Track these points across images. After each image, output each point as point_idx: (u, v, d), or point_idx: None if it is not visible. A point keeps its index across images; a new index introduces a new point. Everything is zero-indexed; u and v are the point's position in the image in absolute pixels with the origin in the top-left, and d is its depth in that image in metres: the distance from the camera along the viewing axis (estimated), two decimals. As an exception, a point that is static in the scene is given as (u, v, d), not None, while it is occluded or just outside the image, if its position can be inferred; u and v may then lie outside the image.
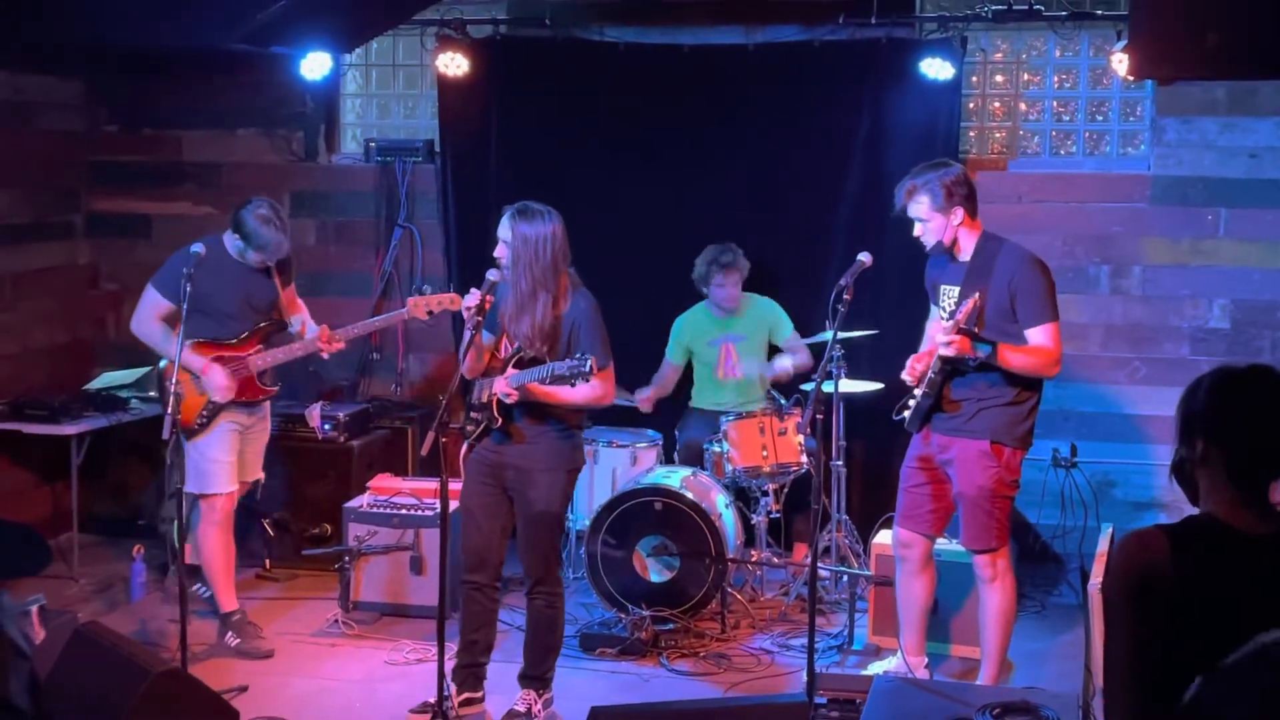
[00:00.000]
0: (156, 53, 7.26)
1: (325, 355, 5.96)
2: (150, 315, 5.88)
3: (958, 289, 5.11)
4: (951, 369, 5.07)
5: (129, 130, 7.99)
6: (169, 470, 6.57)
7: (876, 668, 5.53)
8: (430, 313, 5.88)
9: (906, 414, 5.29)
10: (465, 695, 5.27)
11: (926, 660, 5.55)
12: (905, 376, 5.25)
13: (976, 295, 4.92)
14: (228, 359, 5.81)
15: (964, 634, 5.79)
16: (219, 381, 5.76)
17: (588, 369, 4.74)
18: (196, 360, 5.75)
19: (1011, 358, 4.96)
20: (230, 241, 5.82)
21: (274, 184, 7.84)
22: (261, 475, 6.20)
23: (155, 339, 5.88)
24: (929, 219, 5.08)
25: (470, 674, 5.31)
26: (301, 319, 6.11)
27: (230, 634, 5.97)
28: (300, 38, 6.90)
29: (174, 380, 5.31)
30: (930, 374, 5.09)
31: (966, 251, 5.13)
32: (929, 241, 5.14)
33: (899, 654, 5.50)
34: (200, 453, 5.85)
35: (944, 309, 5.21)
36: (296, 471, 6.87)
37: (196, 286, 5.46)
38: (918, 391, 5.20)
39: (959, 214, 5.07)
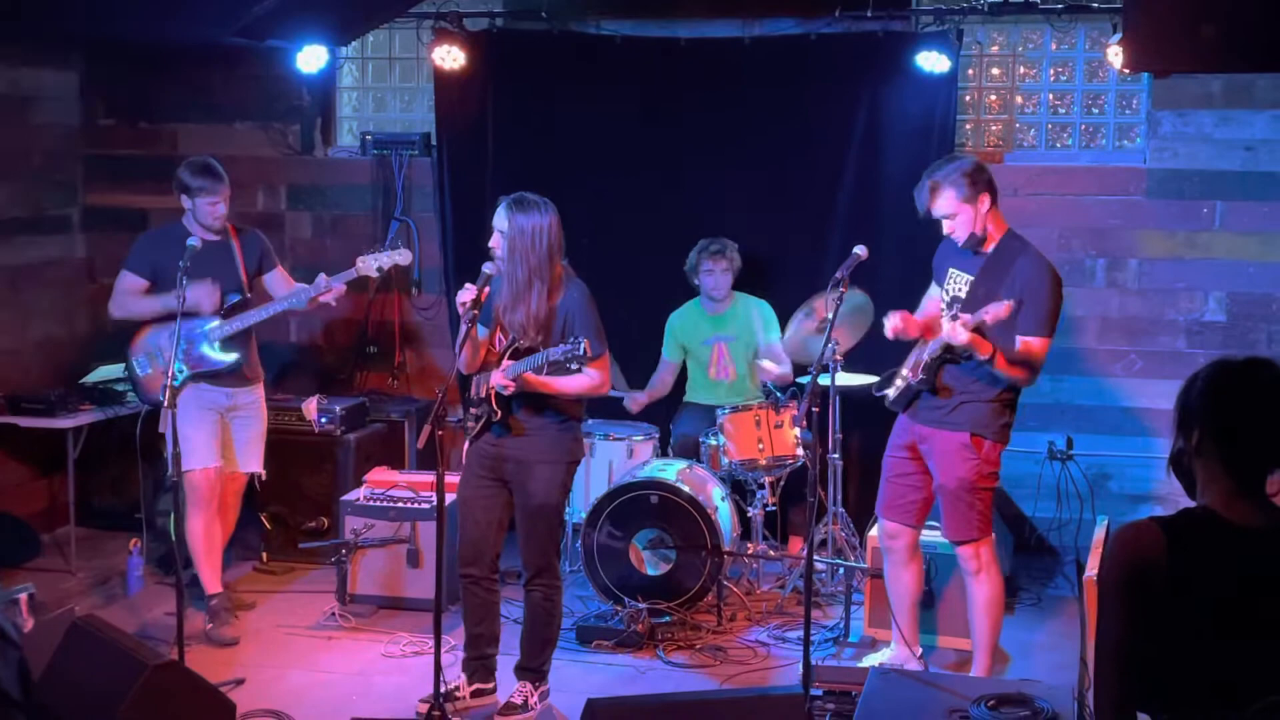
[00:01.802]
0: (153, 47, 7.26)
1: (331, 299, 6.08)
2: (124, 292, 6.07)
3: (969, 278, 5.10)
4: (949, 357, 5.07)
5: (126, 124, 7.99)
6: (165, 463, 6.58)
7: (872, 659, 5.54)
8: (380, 269, 6.12)
9: (890, 392, 5.29)
10: (476, 686, 5.30)
11: (920, 650, 5.56)
12: (888, 330, 5.22)
13: (1012, 302, 4.84)
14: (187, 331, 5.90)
15: (954, 625, 5.80)
16: (198, 292, 5.78)
17: (581, 351, 4.75)
18: (165, 298, 5.88)
19: (1003, 365, 4.95)
20: (188, 221, 5.98)
21: (270, 177, 7.86)
22: (261, 470, 6.24)
23: (133, 309, 6.05)
24: (958, 211, 5.04)
25: (480, 665, 5.33)
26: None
27: (206, 617, 6.03)
28: (296, 31, 6.90)
29: (170, 374, 5.33)
30: (926, 358, 5.10)
31: (991, 244, 5.10)
32: (961, 235, 5.09)
33: (893, 644, 5.51)
34: (178, 429, 5.86)
35: (947, 291, 5.21)
36: (293, 465, 6.86)
37: (163, 267, 5.80)
38: (905, 372, 5.21)
39: (986, 200, 5.04)
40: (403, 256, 6.17)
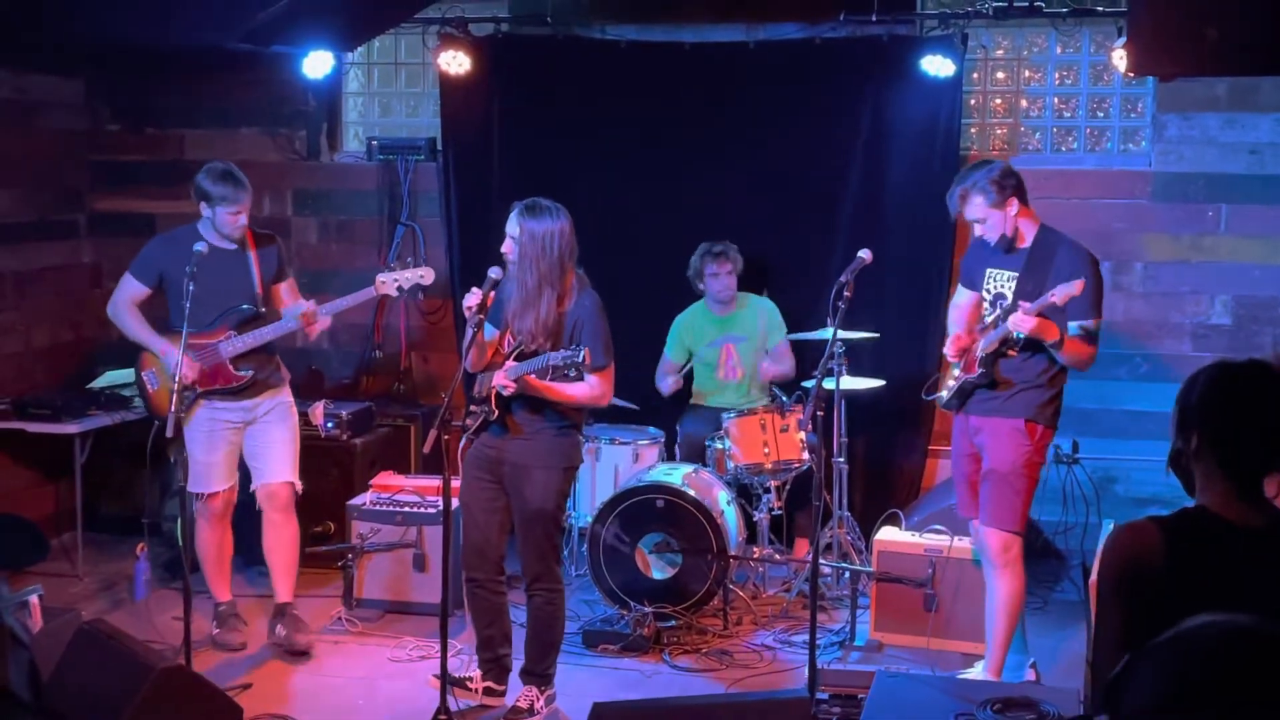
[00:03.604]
0: (159, 52, 7.27)
1: (314, 332, 5.88)
2: (124, 300, 5.87)
3: (1014, 274, 5.18)
4: (1004, 351, 5.13)
5: (132, 129, 8.01)
6: (172, 468, 6.58)
7: (970, 673, 5.46)
8: (400, 289, 5.84)
9: (943, 393, 5.34)
10: (489, 683, 5.31)
11: (1033, 660, 5.54)
12: (947, 351, 5.33)
13: (1083, 280, 4.89)
14: (198, 346, 5.71)
15: (965, 629, 5.79)
16: (173, 360, 5.61)
17: (580, 359, 4.77)
18: (159, 343, 5.78)
19: (1070, 347, 5.03)
20: (204, 226, 5.81)
21: (276, 182, 7.87)
22: (293, 480, 5.97)
23: (127, 325, 5.88)
24: (987, 217, 5.16)
25: (494, 665, 5.34)
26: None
27: (214, 623, 6.02)
28: (302, 36, 6.91)
29: (177, 377, 5.33)
30: (981, 354, 5.15)
31: (1026, 240, 5.19)
32: (993, 238, 5.20)
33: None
34: (188, 450, 5.83)
35: (988, 290, 5.27)
36: (299, 469, 6.86)
37: (171, 274, 5.62)
38: (957, 371, 5.27)
39: (1014, 205, 5.15)
40: (425, 275, 5.87)
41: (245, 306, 5.84)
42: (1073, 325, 5.02)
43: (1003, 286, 5.21)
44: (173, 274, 5.71)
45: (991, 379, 5.17)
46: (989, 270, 5.29)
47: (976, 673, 5.41)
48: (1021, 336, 5.02)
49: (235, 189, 5.71)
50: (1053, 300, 4.89)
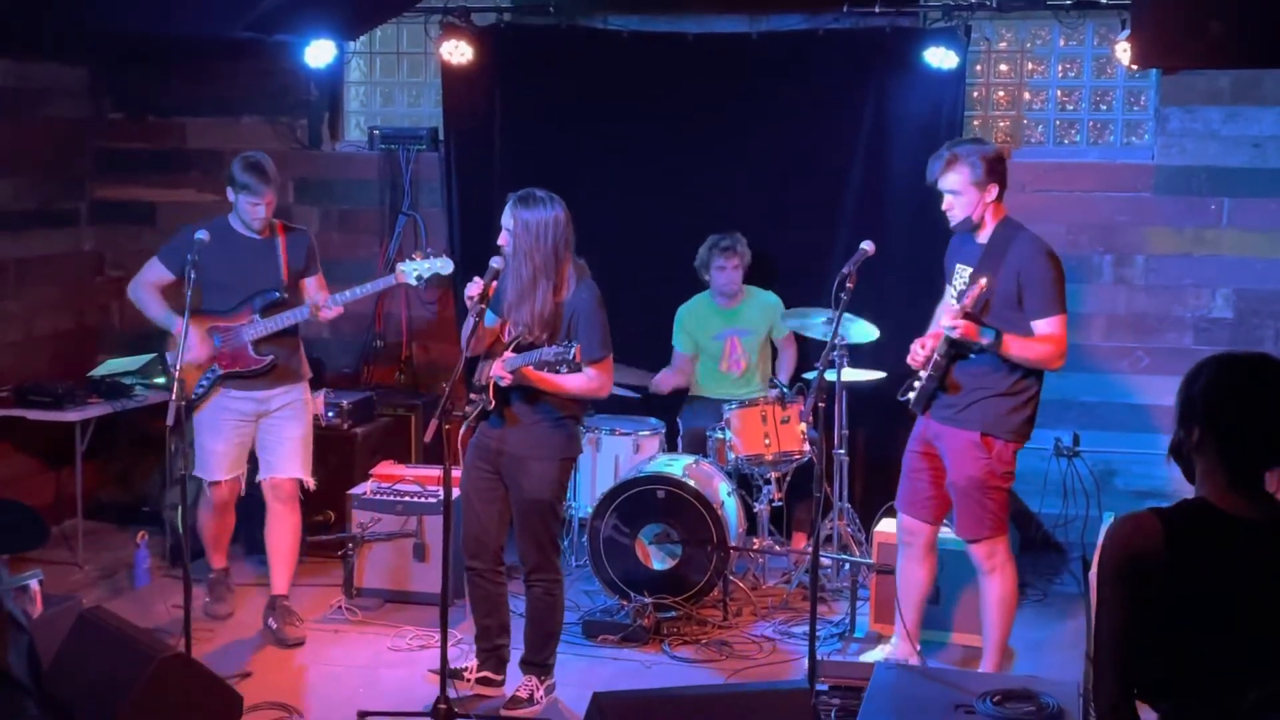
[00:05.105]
0: (161, 41, 7.27)
1: (324, 318, 5.84)
2: (146, 281, 5.91)
3: (970, 269, 5.09)
4: (956, 352, 5.06)
5: (134, 118, 8.01)
6: (173, 456, 6.59)
7: (875, 654, 5.53)
8: (420, 278, 5.79)
9: (911, 395, 5.28)
10: (485, 673, 5.32)
11: (919, 647, 5.53)
12: (910, 361, 5.22)
13: (984, 280, 4.88)
14: (221, 329, 5.77)
15: (965, 622, 5.80)
16: (191, 341, 5.61)
17: (571, 357, 4.76)
18: (175, 322, 5.72)
19: (1014, 347, 4.92)
20: (234, 217, 5.84)
21: (278, 171, 7.84)
22: (303, 476, 5.96)
23: (146, 304, 5.90)
24: (963, 192, 5.02)
25: (491, 655, 5.35)
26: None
27: (205, 591, 6.07)
28: (304, 25, 6.90)
29: (177, 367, 5.33)
30: (936, 356, 5.07)
31: (986, 233, 5.08)
32: (957, 216, 5.07)
33: (895, 639, 5.49)
34: (196, 434, 5.86)
35: (954, 288, 5.20)
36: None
37: (200, 262, 5.55)
38: (923, 373, 5.18)
39: (993, 191, 5.03)
40: (444, 265, 5.78)
41: (270, 292, 5.83)
42: (1036, 325, 4.93)
43: (964, 282, 5.12)
44: (202, 262, 5.62)
45: (942, 383, 5.08)
46: (958, 265, 5.20)
47: (887, 650, 5.46)
48: (983, 343, 4.92)
49: (259, 181, 5.74)
50: (965, 305, 4.84)
